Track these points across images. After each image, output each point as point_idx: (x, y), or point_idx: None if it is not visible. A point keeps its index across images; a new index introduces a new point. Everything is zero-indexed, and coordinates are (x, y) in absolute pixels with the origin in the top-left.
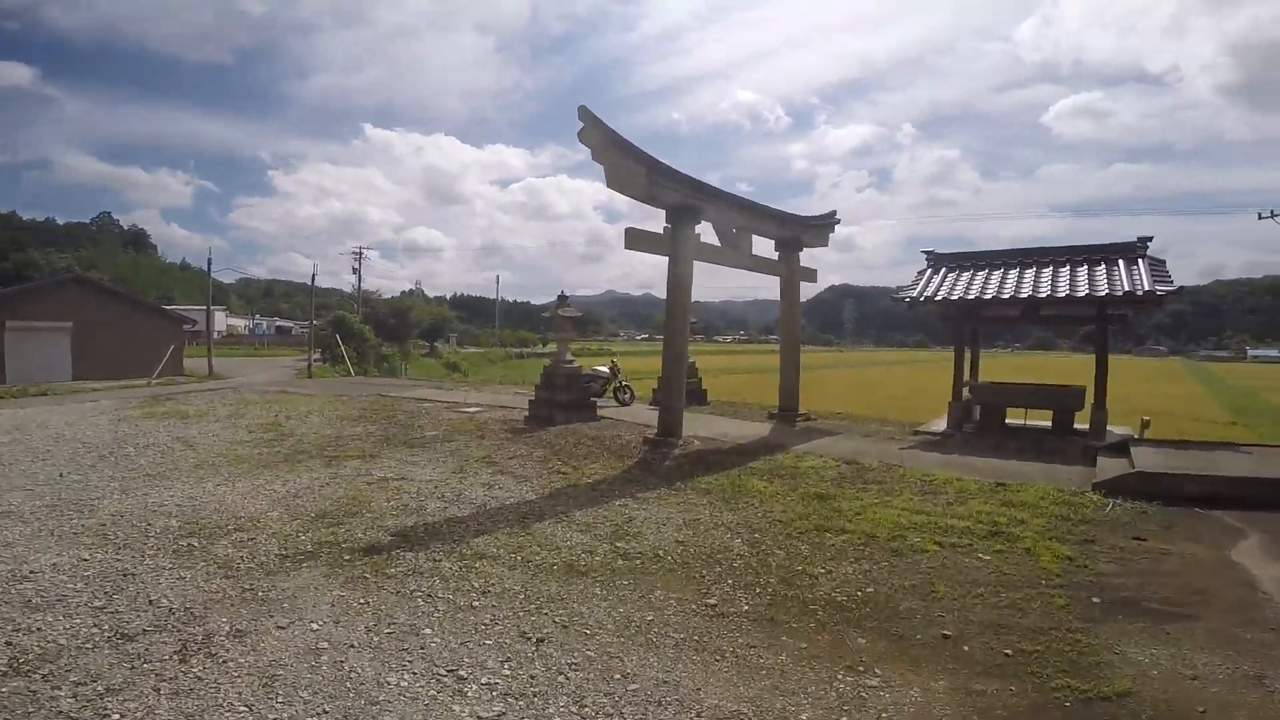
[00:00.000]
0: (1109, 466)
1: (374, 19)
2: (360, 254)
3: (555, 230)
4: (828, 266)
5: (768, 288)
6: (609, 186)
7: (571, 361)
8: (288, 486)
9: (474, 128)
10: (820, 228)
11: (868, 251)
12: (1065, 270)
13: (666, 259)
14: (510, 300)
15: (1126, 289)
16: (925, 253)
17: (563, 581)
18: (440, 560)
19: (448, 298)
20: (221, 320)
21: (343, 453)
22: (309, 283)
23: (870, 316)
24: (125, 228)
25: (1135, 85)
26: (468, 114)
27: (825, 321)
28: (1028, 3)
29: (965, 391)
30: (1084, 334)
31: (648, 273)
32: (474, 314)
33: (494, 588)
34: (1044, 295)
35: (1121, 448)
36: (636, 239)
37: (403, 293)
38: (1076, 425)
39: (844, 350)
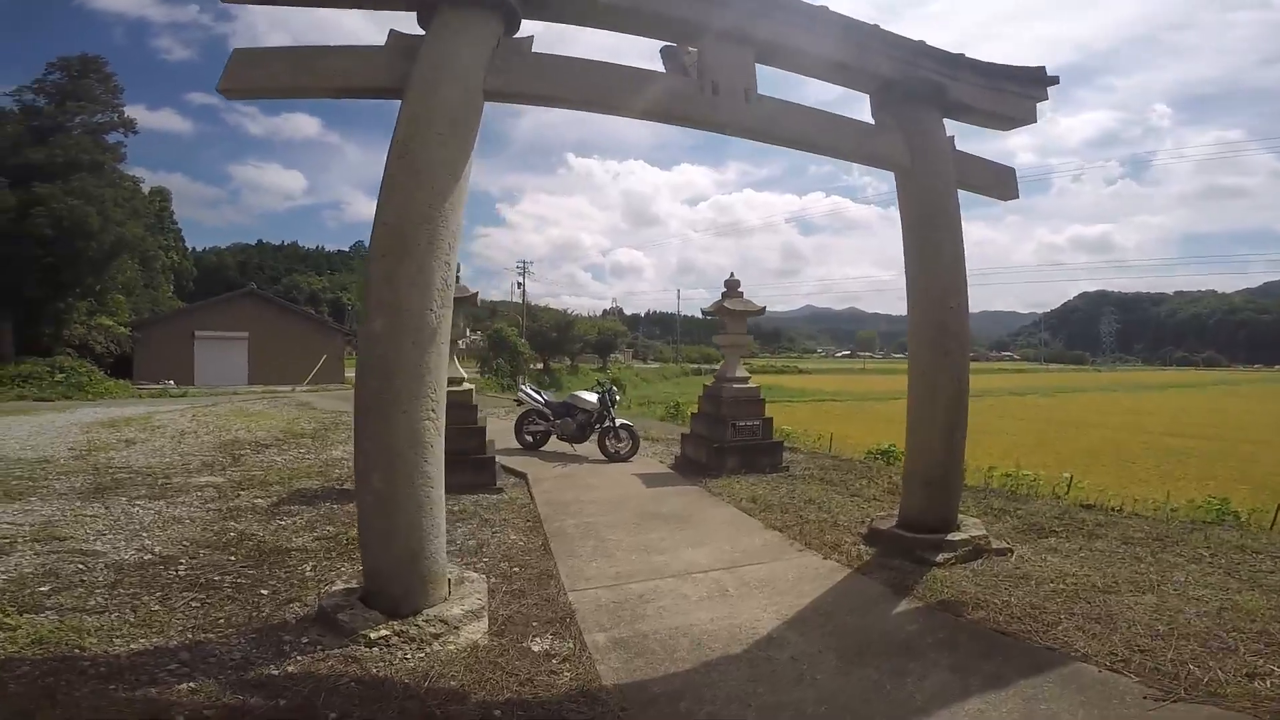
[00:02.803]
0: None
1: (568, 53)
2: (524, 267)
3: (747, 245)
4: (1077, 269)
5: (995, 295)
6: None
7: (461, 382)
8: None
9: (659, 151)
10: (1003, 80)
11: (1129, 251)
12: None
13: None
14: (704, 316)
15: None
16: None
17: None
18: None
19: (643, 314)
20: None
21: None
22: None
23: (1136, 329)
24: None
25: None
26: (652, 138)
27: (1076, 335)
28: None
29: None
30: None
31: (851, 285)
32: (667, 330)
33: None
34: None
35: None
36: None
37: (604, 312)
38: None
39: (1101, 370)
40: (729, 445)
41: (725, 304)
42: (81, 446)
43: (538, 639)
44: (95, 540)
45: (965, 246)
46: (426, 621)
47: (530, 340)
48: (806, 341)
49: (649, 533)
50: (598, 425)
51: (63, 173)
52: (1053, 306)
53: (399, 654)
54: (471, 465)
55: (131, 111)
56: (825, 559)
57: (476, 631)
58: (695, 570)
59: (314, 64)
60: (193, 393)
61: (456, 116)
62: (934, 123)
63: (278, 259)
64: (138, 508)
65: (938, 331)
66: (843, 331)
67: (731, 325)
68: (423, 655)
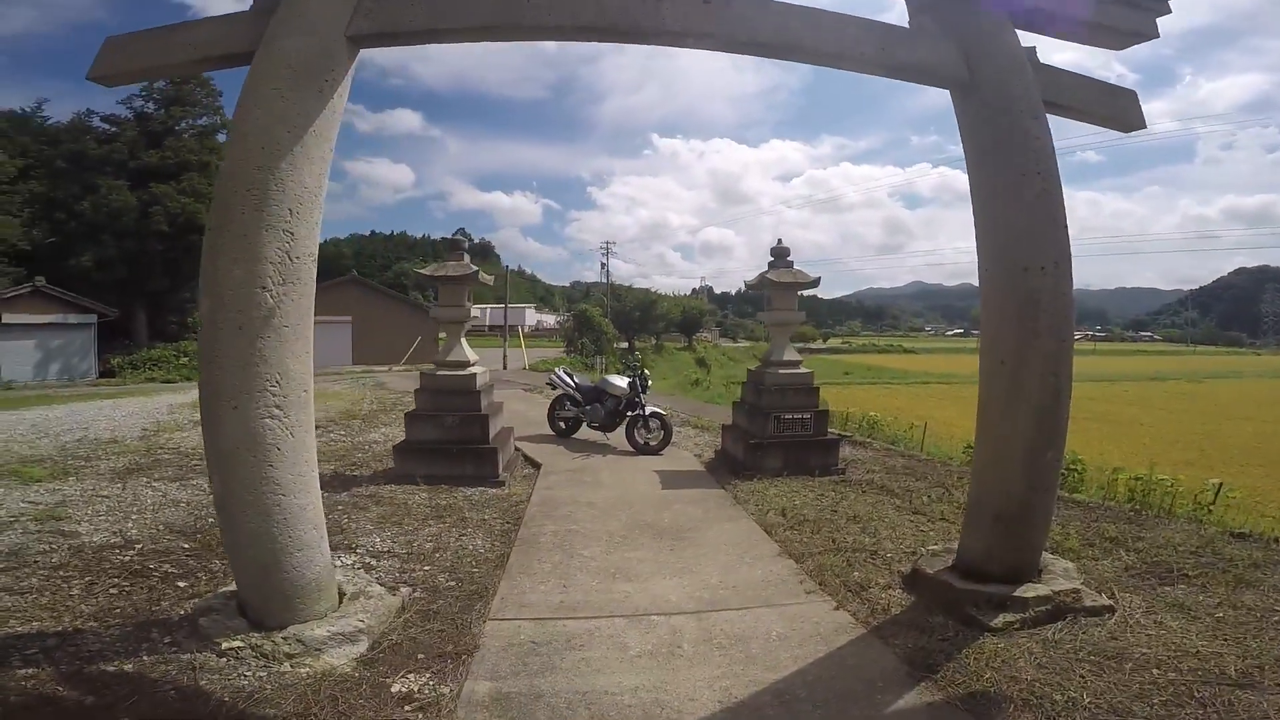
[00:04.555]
0: None
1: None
2: (608, 248)
3: (846, 221)
4: (1231, 242)
5: (1131, 270)
6: None
7: (466, 366)
8: None
9: (745, 129)
10: None
11: None
12: None
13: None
14: (746, 289)
15: None
16: None
17: None
18: None
19: (733, 293)
20: (532, 316)
21: None
22: (605, 283)
23: None
24: (475, 241)
25: None
26: (737, 116)
27: (1230, 314)
28: None
29: None
30: None
31: (964, 259)
32: (759, 308)
33: None
34: None
35: None
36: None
37: (692, 291)
38: None
39: (1261, 353)
40: (769, 441)
41: (770, 276)
42: (154, 428)
43: (410, 676)
44: (84, 522)
45: (1096, 219)
46: (285, 639)
47: (614, 320)
48: (913, 319)
49: (631, 550)
50: (628, 413)
51: (175, 173)
52: (1203, 283)
53: (241, 670)
54: (472, 456)
55: None
56: (837, 609)
57: (343, 657)
58: (658, 610)
59: (176, 40)
60: None
61: (301, 68)
62: (998, 24)
63: (388, 248)
64: (150, 490)
65: (1022, 306)
66: (955, 309)
67: (778, 300)
68: (264, 676)
